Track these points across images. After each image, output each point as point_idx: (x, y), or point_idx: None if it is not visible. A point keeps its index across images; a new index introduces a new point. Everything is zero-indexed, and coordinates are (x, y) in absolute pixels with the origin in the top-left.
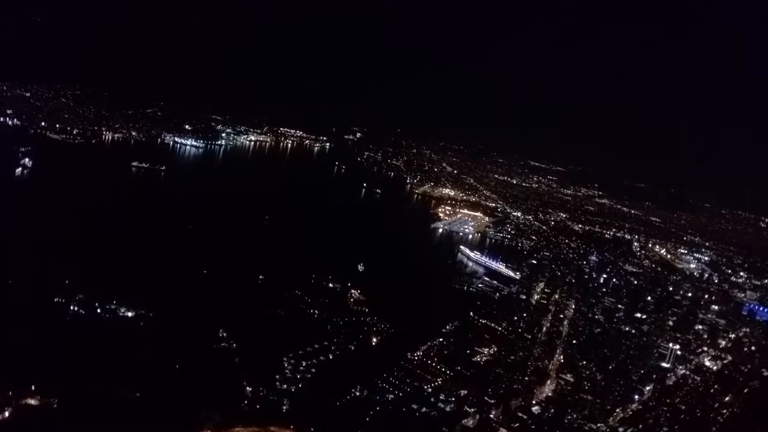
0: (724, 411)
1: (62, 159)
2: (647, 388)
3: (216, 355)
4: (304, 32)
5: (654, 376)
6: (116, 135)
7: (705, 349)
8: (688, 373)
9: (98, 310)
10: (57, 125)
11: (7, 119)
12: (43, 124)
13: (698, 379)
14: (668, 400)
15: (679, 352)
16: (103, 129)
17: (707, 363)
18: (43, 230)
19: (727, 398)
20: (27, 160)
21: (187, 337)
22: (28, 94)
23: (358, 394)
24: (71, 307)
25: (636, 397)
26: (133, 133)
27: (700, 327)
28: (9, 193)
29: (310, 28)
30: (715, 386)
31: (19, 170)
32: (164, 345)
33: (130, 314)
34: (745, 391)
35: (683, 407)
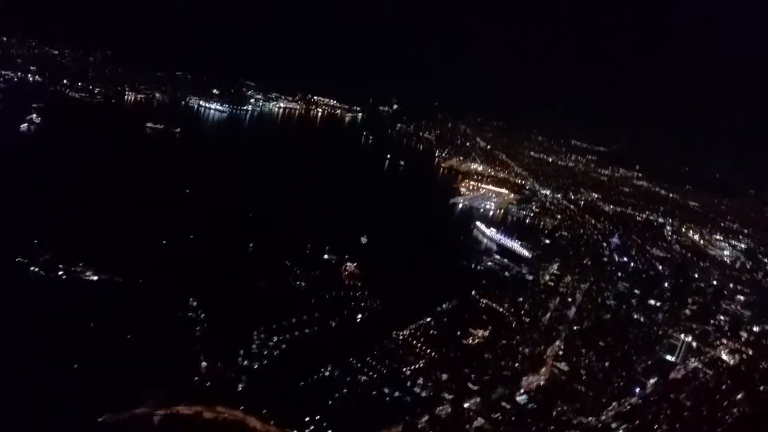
0: (734, 410)
1: (75, 117)
2: (650, 381)
3: (178, 326)
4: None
5: (660, 368)
6: (139, 96)
7: (724, 341)
8: (700, 366)
9: (60, 272)
10: (79, 84)
11: (29, 75)
12: (64, 82)
13: (710, 373)
14: (672, 396)
15: (694, 344)
16: (126, 90)
17: (724, 357)
18: (26, 188)
19: (739, 396)
20: (35, 116)
21: (153, 305)
22: (56, 53)
23: (327, 374)
24: (31, 268)
25: (637, 390)
26: (157, 95)
27: (722, 318)
28: (5, 148)
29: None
30: (728, 382)
31: (24, 126)
32: (123, 312)
33: (94, 278)
34: (761, 389)
35: (688, 404)
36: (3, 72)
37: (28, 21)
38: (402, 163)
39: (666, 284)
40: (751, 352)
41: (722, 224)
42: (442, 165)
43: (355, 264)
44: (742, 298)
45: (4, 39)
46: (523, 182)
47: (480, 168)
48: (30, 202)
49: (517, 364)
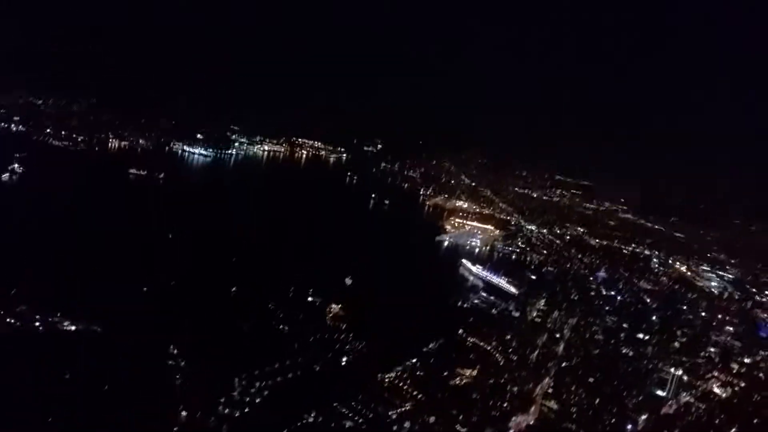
0: None
1: (58, 165)
2: (642, 417)
3: (158, 375)
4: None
5: (651, 404)
6: (123, 143)
7: (715, 374)
8: (692, 400)
9: (37, 323)
10: (62, 132)
11: (12, 125)
12: (48, 130)
13: (703, 407)
14: (665, 431)
15: (685, 378)
16: (110, 136)
17: (716, 389)
18: (4, 238)
19: (733, 430)
20: (17, 165)
21: (131, 354)
22: (40, 102)
23: (311, 420)
24: (7, 320)
25: (628, 427)
26: (141, 141)
27: (712, 349)
28: None
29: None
30: (722, 416)
31: (6, 176)
32: (101, 362)
33: (72, 328)
34: (755, 421)
35: None
36: None
37: (12, 70)
38: (387, 202)
39: (654, 317)
40: (743, 384)
41: (708, 255)
42: (427, 203)
43: (339, 305)
44: (731, 329)
45: None
46: (509, 218)
47: (465, 205)
48: (7, 253)
49: (505, 404)
